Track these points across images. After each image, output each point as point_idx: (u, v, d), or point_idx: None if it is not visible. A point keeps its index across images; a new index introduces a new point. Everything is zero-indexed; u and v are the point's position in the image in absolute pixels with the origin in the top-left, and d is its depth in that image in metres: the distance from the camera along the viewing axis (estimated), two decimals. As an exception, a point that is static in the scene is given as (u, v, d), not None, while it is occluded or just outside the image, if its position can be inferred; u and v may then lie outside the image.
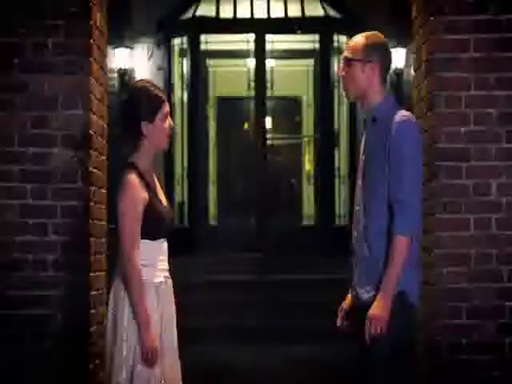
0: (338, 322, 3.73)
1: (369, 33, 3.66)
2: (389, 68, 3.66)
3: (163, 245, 3.71)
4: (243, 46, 11.49)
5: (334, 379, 6.61)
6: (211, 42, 11.37)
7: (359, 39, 3.62)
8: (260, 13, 11.19)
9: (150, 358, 3.50)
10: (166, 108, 3.69)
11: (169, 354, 3.64)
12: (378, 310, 3.39)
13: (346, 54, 3.64)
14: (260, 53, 11.25)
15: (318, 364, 7.39)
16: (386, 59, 3.64)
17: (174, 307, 3.75)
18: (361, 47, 3.59)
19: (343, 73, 3.65)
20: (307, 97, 12.81)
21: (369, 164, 3.58)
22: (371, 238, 3.51)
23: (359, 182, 3.64)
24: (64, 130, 4.67)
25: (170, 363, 3.65)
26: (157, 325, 3.56)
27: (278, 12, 11.23)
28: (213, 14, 11.17)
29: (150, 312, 3.53)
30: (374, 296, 3.44)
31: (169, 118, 3.71)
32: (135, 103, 3.64)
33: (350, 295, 3.71)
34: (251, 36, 11.28)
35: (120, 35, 10.40)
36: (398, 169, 3.45)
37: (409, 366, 3.60)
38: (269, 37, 11.27)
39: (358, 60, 3.58)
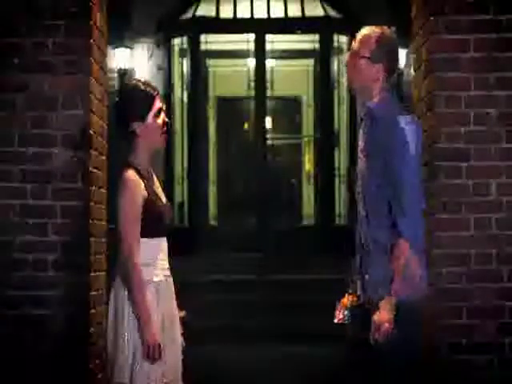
0: (339, 317, 3.70)
1: (382, 30, 3.56)
2: (395, 68, 3.63)
3: (163, 243, 3.70)
4: (243, 46, 11.49)
5: (333, 379, 6.61)
6: (211, 41, 11.38)
7: (371, 36, 3.54)
8: (260, 13, 11.19)
9: (152, 354, 3.49)
10: (158, 104, 3.65)
11: (170, 353, 3.64)
12: (384, 314, 3.37)
13: (356, 47, 3.56)
14: (260, 53, 11.25)
15: (318, 364, 7.39)
16: (394, 60, 3.61)
17: (175, 305, 3.74)
18: (372, 45, 3.52)
19: (351, 64, 3.58)
20: (307, 97, 12.81)
21: (369, 163, 3.56)
22: (380, 238, 3.48)
23: (359, 181, 3.62)
24: (64, 129, 4.67)
25: (172, 362, 3.65)
26: (157, 324, 3.56)
27: (278, 12, 11.24)
28: (213, 13, 11.18)
29: (151, 309, 3.53)
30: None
31: (162, 114, 3.69)
32: (127, 103, 3.63)
33: (352, 294, 3.68)
34: (251, 36, 11.29)
35: (120, 35, 10.41)
36: (400, 171, 3.44)
37: (416, 368, 3.58)
38: (269, 37, 11.28)
39: (367, 57, 3.55)
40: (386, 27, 3.63)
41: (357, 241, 3.61)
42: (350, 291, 3.71)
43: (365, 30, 3.60)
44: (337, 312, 3.72)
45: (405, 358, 3.42)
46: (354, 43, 3.61)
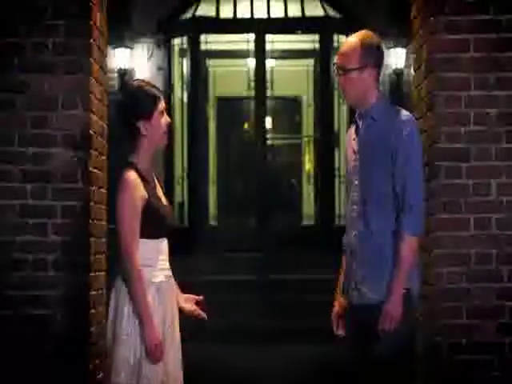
0: (339, 330, 3.73)
1: (361, 36, 3.61)
2: (382, 66, 3.66)
3: (163, 244, 3.71)
4: (243, 46, 11.49)
5: (333, 379, 6.61)
6: (211, 41, 11.37)
7: (353, 46, 3.57)
8: (260, 13, 11.19)
9: (154, 353, 3.50)
10: (162, 104, 3.71)
11: (171, 353, 3.64)
12: (394, 305, 3.42)
13: (342, 63, 3.59)
14: (260, 53, 11.25)
15: (318, 364, 7.39)
16: (381, 59, 3.64)
17: (176, 306, 3.75)
18: (357, 54, 3.55)
19: (342, 81, 3.61)
20: (307, 97, 12.82)
21: (369, 164, 3.57)
22: (378, 238, 3.51)
23: (355, 182, 3.62)
24: (64, 130, 4.67)
25: (173, 362, 3.65)
26: (159, 324, 3.56)
27: (278, 12, 11.24)
28: (213, 13, 11.18)
29: (152, 309, 3.53)
30: (381, 295, 3.45)
31: (165, 114, 3.73)
32: (132, 103, 3.66)
33: (341, 297, 3.71)
34: (251, 36, 11.28)
35: (120, 35, 10.41)
36: (408, 170, 3.47)
37: (409, 363, 3.61)
38: (269, 37, 11.28)
39: (356, 69, 3.57)
40: (363, 30, 3.66)
41: (351, 240, 3.62)
42: (341, 298, 3.72)
43: (346, 45, 3.62)
44: (336, 327, 3.73)
45: (395, 349, 3.47)
46: (339, 60, 3.60)
